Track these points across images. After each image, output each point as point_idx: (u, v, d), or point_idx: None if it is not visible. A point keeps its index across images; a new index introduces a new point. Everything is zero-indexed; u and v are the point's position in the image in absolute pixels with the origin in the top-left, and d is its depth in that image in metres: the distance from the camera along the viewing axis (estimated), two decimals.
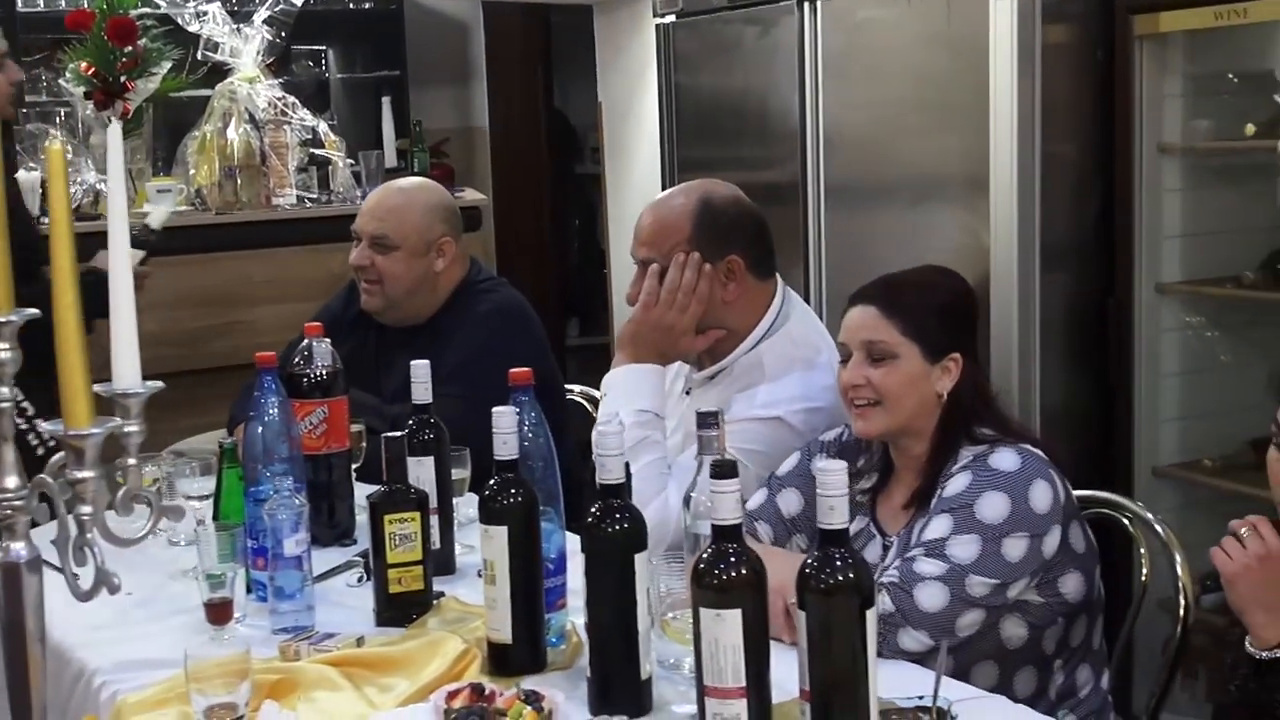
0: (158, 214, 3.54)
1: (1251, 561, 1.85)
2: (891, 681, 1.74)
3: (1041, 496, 2.04)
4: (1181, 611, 2.27)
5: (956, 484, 2.07)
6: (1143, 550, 2.37)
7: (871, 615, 1.55)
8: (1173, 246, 3.44)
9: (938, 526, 2.03)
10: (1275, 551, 1.84)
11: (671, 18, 4.30)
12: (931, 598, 1.98)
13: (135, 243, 3.22)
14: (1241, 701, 1.92)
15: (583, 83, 5.61)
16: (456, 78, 6.20)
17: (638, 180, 4.85)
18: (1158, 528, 2.35)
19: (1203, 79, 3.43)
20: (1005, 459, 2.07)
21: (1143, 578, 2.37)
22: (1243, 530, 1.88)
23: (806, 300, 2.94)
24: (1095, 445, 3.46)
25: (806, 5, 3.77)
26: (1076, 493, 2.47)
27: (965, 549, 2.00)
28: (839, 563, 1.54)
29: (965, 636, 2.02)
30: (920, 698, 1.68)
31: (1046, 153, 3.32)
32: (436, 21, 6.12)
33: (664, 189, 4.28)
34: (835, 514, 1.54)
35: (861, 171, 3.71)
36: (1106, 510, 2.44)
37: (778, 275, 2.65)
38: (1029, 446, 2.12)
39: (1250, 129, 3.30)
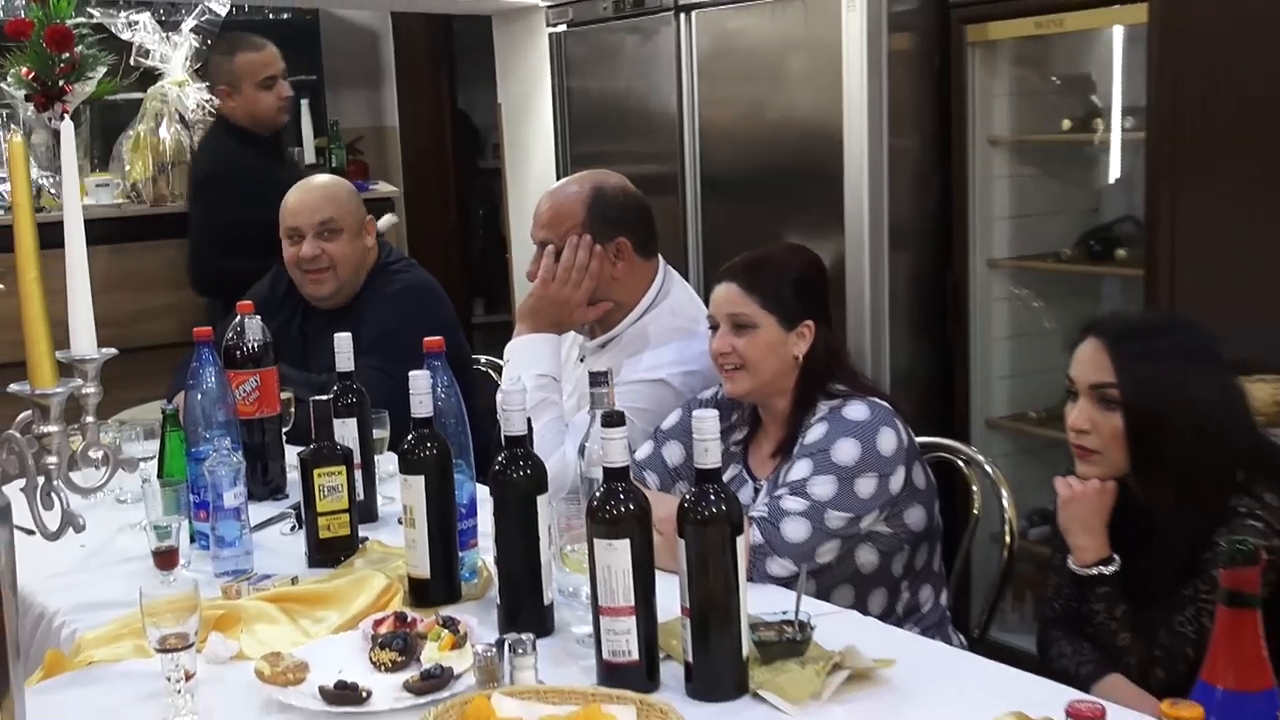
0: (385, 221, 3.58)
1: (1087, 490, 1.94)
2: (761, 602, 1.83)
3: (888, 441, 2.12)
4: (1007, 539, 2.38)
5: (815, 433, 2.14)
6: (975, 488, 2.47)
7: (741, 542, 1.62)
8: (1002, 227, 3.54)
9: (800, 469, 2.11)
10: (1107, 489, 1.93)
11: (563, 27, 4.33)
12: (795, 530, 2.05)
13: None
14: (1063, 615, 2.02)
15: (484, 86, 5.59)
16: (369, 81, 6.16)
17: (535, 173, 4.87)
18: (988, 469, 2.45)
19: (1027, 80, 3.52)
20: (856, 410, 2.15)
21: (975, 511, 2.47)
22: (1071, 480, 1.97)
23: (685, 277, 2.99)
24: (937, 400, 3.57)
25: (682, 15, 3.82)
26: (920, 439, 2.56)
27: (823, 488, 2.08)
28: (713, 497, 1.61)
29: (824, 563, 2.09)
30: (784, 613, 1.76)
31: (893, 146, 3.41)
32: (349, 30, 6.08)
33: (558, 180, 4.33)
34: (709, 455, 1.62)
35: (732, 163, 3.77)
36: (945, 454, 2.53)
37: (659, 255, 2.70)
38: (877, 399, 2.19)
39: (1066, 124, 3.42)
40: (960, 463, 2.52)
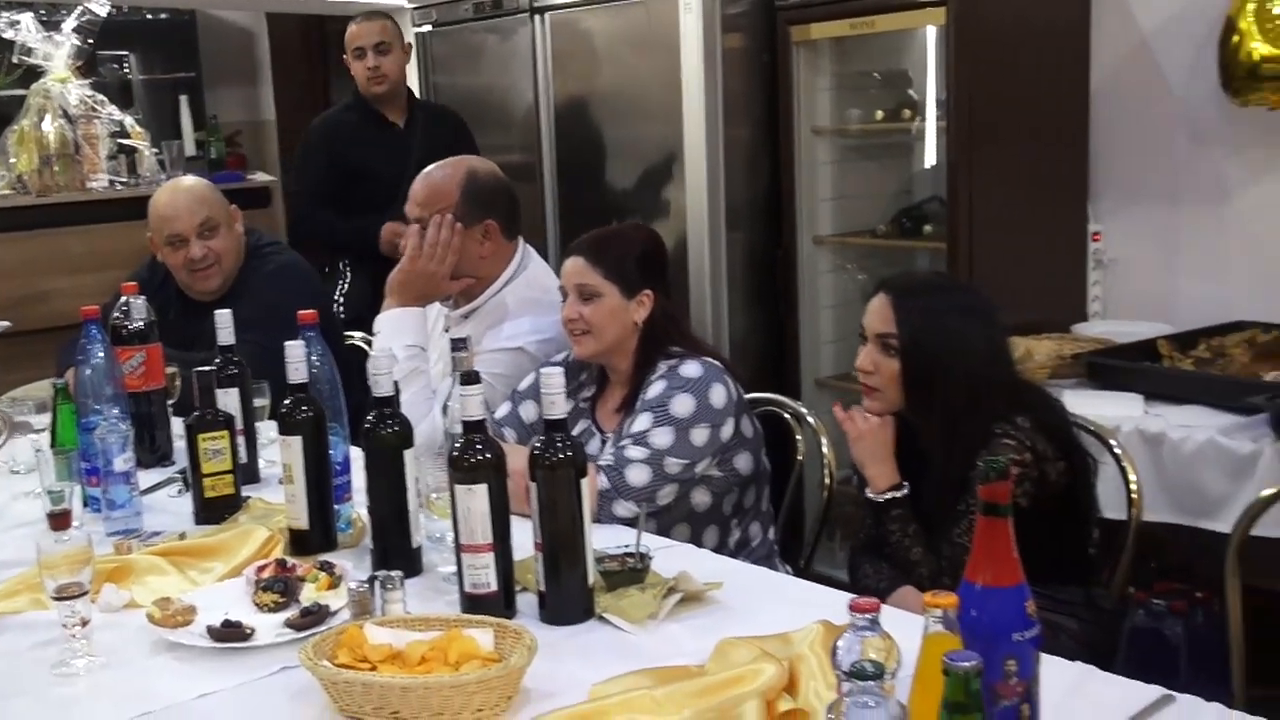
0: None
1: (871, 426, 2.08)
2: (608, 538, 1.91)
3: (719, 396, 2.21)
4: (826, 481, 2.51)
5: (654, 389, 2.22)
6: (799, 438, 2.59)
7: (585, 484, 1.70)
8: (826, 208, 3.68)
9: (641, 422, 2.19)
10: (886, 424, 2.08)
11: (428, 27, 4.35)
12: (638, 476, 2.14)
13: None
14: (867, 542, 2.16)
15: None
16: (246, 78, 6.08)
17: None
18: (810, 420, 2.58)
19: (846, 76, 3.66)
20: (691, 369, 2.23)
21: (799, 457, 2.59)
22: (854, 409, 2.11)
23: (544, 254, 3.06)
24: (772, 362, 3.71)
25: (537, 17, 3.88)
26: (752, 395, 2.68)
27: (662, 437, 2.16)
28: (560, 444, 1.69)
29: (664, 504, 2.18)
30: (627, 547, 1.85)
31: (728, 135, 3.52)
32: (226, 29, 5.99)
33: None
34: (555, 407, 1.69)
35: (585, 151, 3.85)
36: (774, 408, 2.65)
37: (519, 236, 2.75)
38: (710, 359, 2.27)
39: (880, 114, 3.57)
40: (787, 415, 2.64)
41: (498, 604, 1.71)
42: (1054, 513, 2.05)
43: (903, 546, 2.05)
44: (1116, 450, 2.29)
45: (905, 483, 2.07)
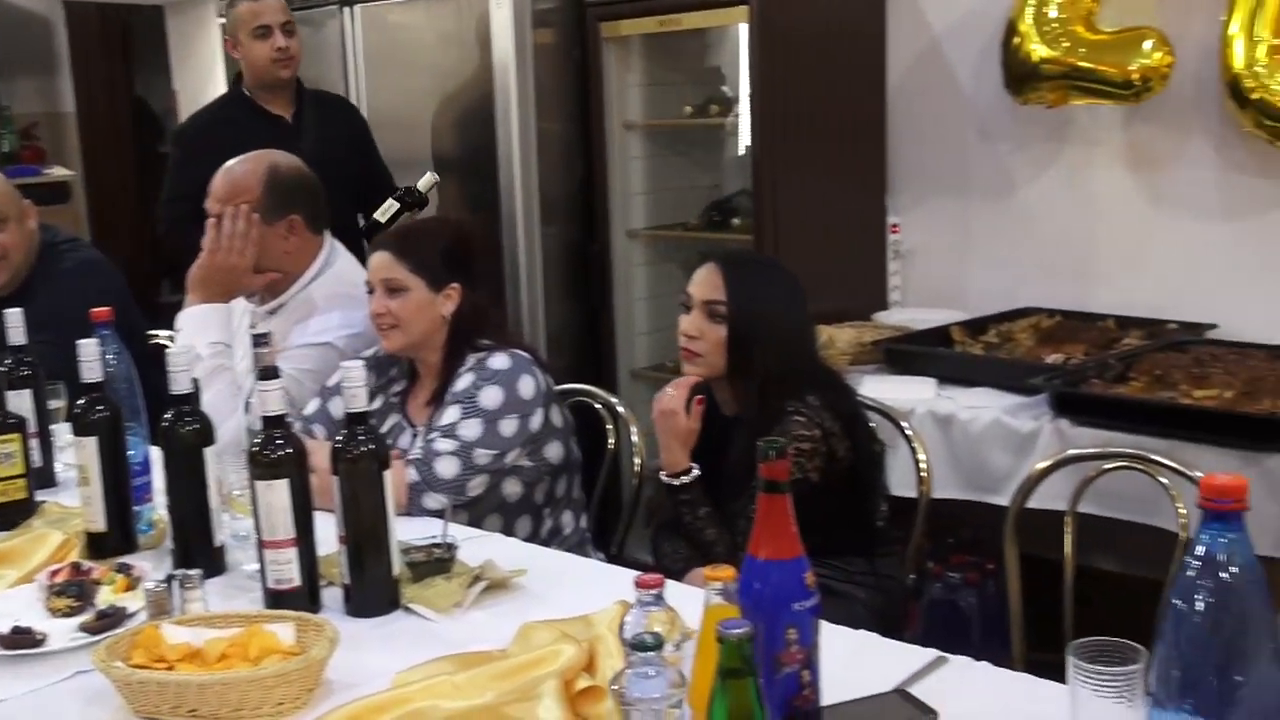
0: (424, 180, 3.35)
1: (672, 407, 2.14)
2: (416, 530, 1.93)
3: (527, 387, 2.24)
4: (637, 468, 2.57)
5: (463, 382, 2.24)
6: (609, 427, 2.65)
7: (388, 476, 1.71)
8: (638, 201, 3.75)
9: (450, 414, 2.21)
10: (680, 413, 2.15)
11: None
12: (447, 468, 2.15)
13: (411, 202, 3.30)
14: (665, 522, 2.23)
15: (161, 73, 5.40)
16: (42, 68, 5.82)
17: None
18: (620, 410, 2.63)
19: (656, 72, 3.72)
20: (499, 361, 2.25)
21: (610, 446, 2.65)
22: (669, 389, 2.17)
23: (360, 249, 3.03)
24: (588, 354, 3.75)
25: (346, 10, 3.84)
26: (565, 386, 2.73)
27: (471, 429, 2.18)
28: (362, 437, 1.69)
29: (475, 495, 2.20)
30: (434, 537, 1.87)
31: (540, 130, 3.55)
32: (20, 17, 5.73)
33: None
34: (357, 400, 1.70)
35: (398, 145, 3.80)
36: (586, 398, 2.70)
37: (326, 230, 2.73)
38: (518, 351, 2.30)
39: (688, 110, 3.65)
40: (598, 406, 2.69)
41: (302, 599, 1.70)
42: (843, 488, 2.15)
43: (695, 528, 2.13)
44: (907, 431, 2.42)
45: (694, 466, 2.14)
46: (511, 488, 2.28)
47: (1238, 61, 2.82)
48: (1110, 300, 3.26)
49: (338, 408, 2.40)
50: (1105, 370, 2.75)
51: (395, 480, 2.06)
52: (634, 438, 2.58)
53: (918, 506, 2.39)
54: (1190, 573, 0.93)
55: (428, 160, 3.73)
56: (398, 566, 1.74)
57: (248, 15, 3.47)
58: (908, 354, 3.09)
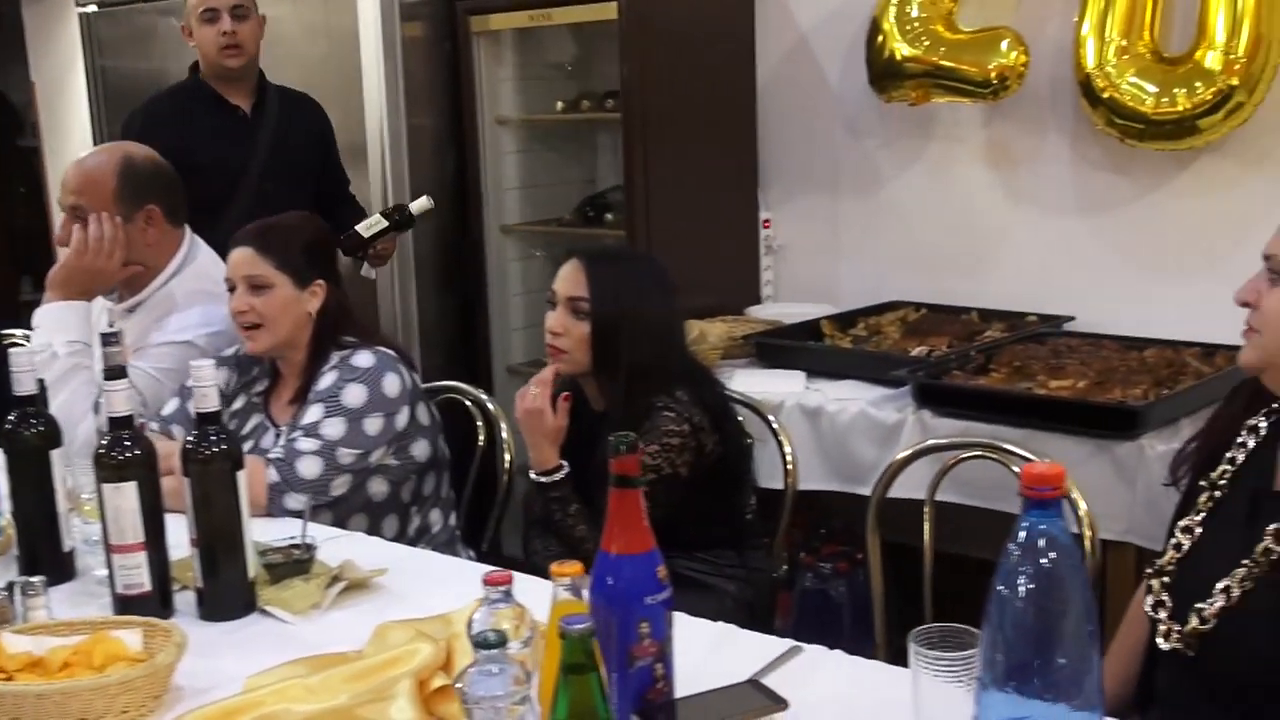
0: (419, 204, 3.17)
1: (537, 406, 2.14)
2: (278, 531, 1.90)
3: (392, 385, 2.22)
4: (507, 465, 2.56)
5: (326, 380, 2.21)
6: (479, 424, 2.63)
7: (241, 476, 1.69)
8: (512, 196, 3.73)
9: (312, 413, 2.18)
10: (546, 411, 2.14)
11: (93, 8, 4.12)
12: (309, 468, 2.12)
13: (400, 223, 3.14)
14: (535, 519, 2.23)
15: (19, 64, 5.21)
16: None
17: (74, 151, 4.52)
18: (490, 406, 2.62)
19: (528, 66, 3.71)
20: (363, 359, 2.23)
21: (480, 443, 2.64)
22: (532, 386, 2.17)
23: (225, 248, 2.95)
24: (464, 350, 3.73)
25: None
26: (435, 384, 2.71)
27: (334, 428, 2.15)
28: (214, 438, 1.66)
29: (339, 495, 2.17)
30: (293, 538, 1.84)
31: (410, 124, 3.52)
32: None
33: None
34: (208, 400, 1.67)
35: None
36: (456, 395, 2.69)
37: (186, 225, 2.66)
38: (383, 349, 2.28)
39: (560, 105, 3.65)
40: (468, 403, 2.67)
41: (152, 604, 1.67)
42: (711, 482, 2.18)
43: (565, 525, 2.13)
44: (774, 425, 2.45)
45: (564, 464, 2.14)
46: (377, 487, 2.25)
47: (1089, 61, 2.91)
48: (974, 294, 3.34)
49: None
50: (966, 362, 2.82)
51: (254, 480, 2.04)
52: (504, 435, 2.57)
53: (784, 498, 2.42)
54: (1012, 559, 0.96)
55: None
56: (253, 569, 1.72)
57: (195, 0, 3.23)
58: (777, 348, 3.13)
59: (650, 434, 2.10)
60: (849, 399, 2.84)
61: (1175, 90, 2.81)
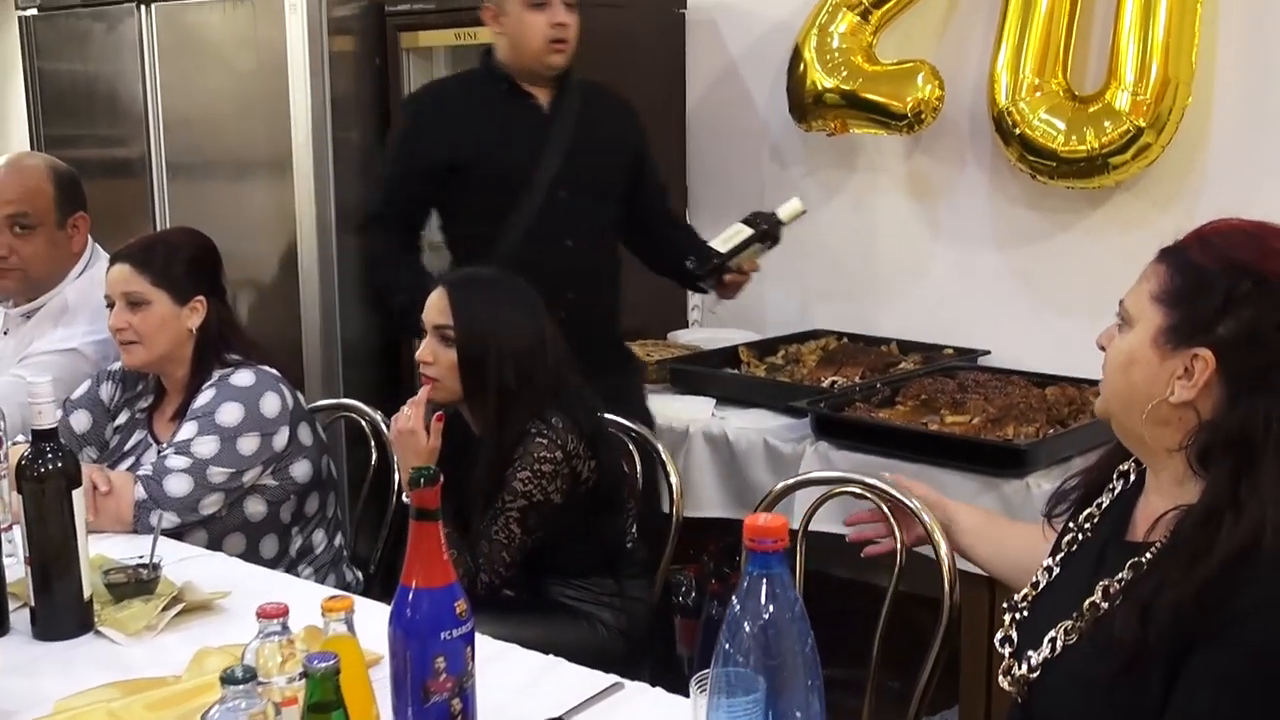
0: (789, 208, 2.67)
1: (408, 428, 2.14)
2: (128, 549, 1.90)
3: (271, 405, 2.21)
4: (395, 487, 2.55)
5: (203, 398, 2.20)
6: (372, 443, 2.63)
7: (78, 495, 1.68)
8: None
9: (186, 430, 2.17)
10: (436, 430, 2.14)
11: (33, 11, 4.10)
12: (177, 485, 2.12)
13: (767, 232, 2.64)
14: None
15: None
16: None
17: (13, 149, 4.60)
18: (382, 425, 2.60)
19: None
20: (243, 377, 2.23)
21: (374, 461, 2.63)
22: (406, 408, 2.16)
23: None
24: (385, 364, 3.71)
25: (143, 7, 3.74)
26: (329, 402, 2.71)
27: (206, 446, 2.15)
28: (49, 455, 1.66)
29: (210, 514, 2.16)
30: (141, 557, 1.84)
31: (337, 138, 3.49)
32: None
33: None
34: (44, 417, 1.66)
35: (194, 148, 3.72)
36: (350, 414, 2.68)
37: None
38: (265, 368, 2.27)
39: None
40: (364, 422, 2.66)
41: None
42: (587, 508, 2.17)
43: None
44: (660, 451, 2.44)
45: None
46: (254, 506, 2.25)
47: (1002, 98, 2.93)
48: (894, 324, 3.35)
49: (80, 422, 2.36)
50: (871, 394, 2.83)
51: (121, 497, 2.05)
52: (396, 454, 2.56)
53: (670, 525, 2.42)
54: (736, 610, 0.96)
55: (225, 162, 3.66)
56: (89, 588, 1.71)
57: None
58: (689, 373, 3.14)
59: (522, 460, 2.10)
60: (752, 428, 2.84)
61: (1085, 129, 2.83)
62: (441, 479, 1.32)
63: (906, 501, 1.90)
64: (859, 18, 3.13)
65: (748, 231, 2.61)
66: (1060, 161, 2.87)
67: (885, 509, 1.89)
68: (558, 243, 2.65)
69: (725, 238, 2.63)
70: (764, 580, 0.94)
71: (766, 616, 0.94)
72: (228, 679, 1.06)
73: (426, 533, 1.32)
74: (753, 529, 0.94)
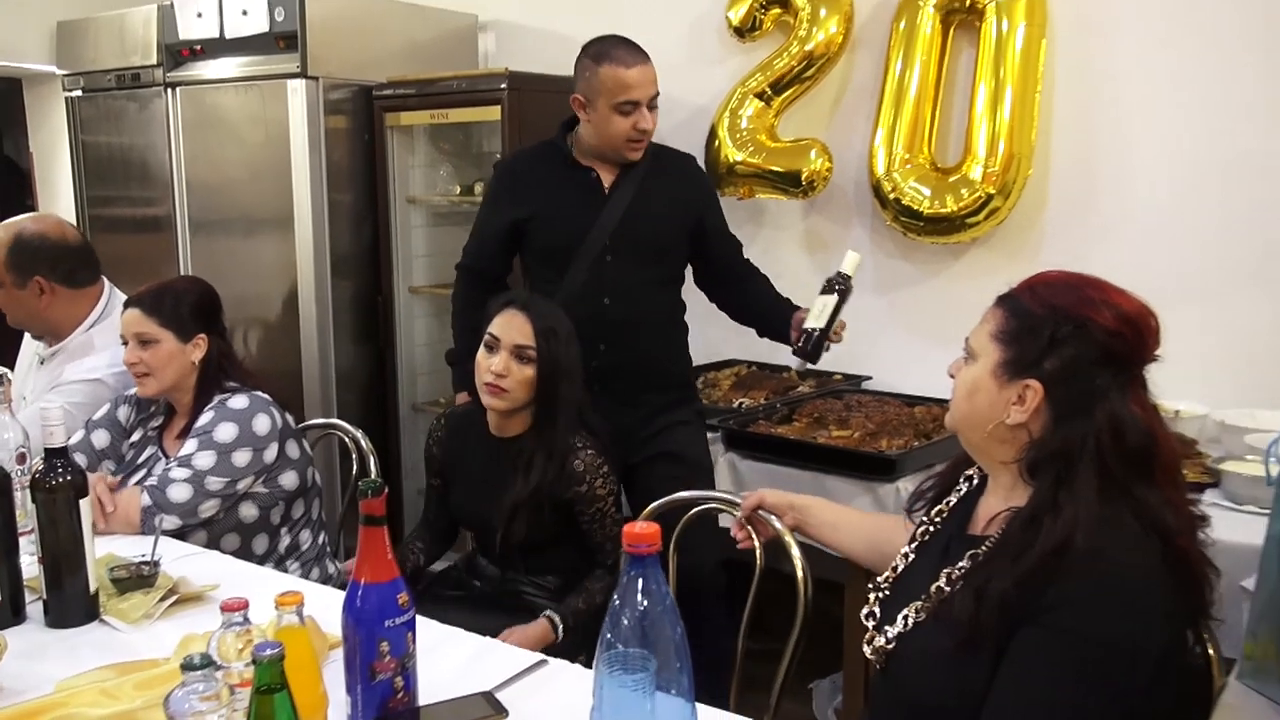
0: (850, 261, 2.42)
1: None
2: (135, 548, 1.84)
3: (262, 424, 2.16)
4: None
5: (204, 419, 2.15)
6: (355, 456, 2.57)
7: (85, 503, 1.63)
8: (420, 263, 3.69)
9: (188, 446, 2.11)
10: None
11: (78, 92, 4.05)
12: (179, 493, 2.06)
13: (846, 290, 2.40)
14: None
15: (24, 135, 5.10)
16: None
17: (62, 208, 4.52)
18: (362, 441, 2.56)
19: (434, 155, 3.68)
20: (238, 401, 2.17)
21: (354, 473, 2.57)
22: None
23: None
24: (377, 392, 3.67)
25: (169, 90, 3.70)
26: (319, 421, 2.65)
27: (205, 460, 2.09)
28: (59, 469, 1.60)
29: (209, 517, 2.11)
30: (143, 555, 1.78)
31: (333, 200, 3.47)
32: None
33: (78, 218, 4.06)
34: (54, 437, 1.61)
35: (212, 207, 3.69)
36: (336, 432, 2.63)
37: (104, 279, 2.59)
38: (258, 393, 2.21)
39: (457, 188, 3.62)
40: (346, 439, 2.61)
41: (4, 614, 1.60)
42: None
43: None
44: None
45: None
46: (247, 510, 2.19)
47: (879, 169, 2.94)
48: (793, 356, 3.33)
49: (99, 439, 2.29)
50: (773, 413, 2.82)
51: (129, 505, 1.99)
52: (371, 468, 2.51)
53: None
54: (617, 603, 0.94)
55: (238, 221, 3.61)
56: (95, 583, 1.65)
57: (614, 85, 2.38)
58: None
59: (587, 469, 2.10)
60: None
61: (946, 195, 2.84)
62: (386, 490, 1.28)
63: (762, 513, 1.87)
64: (763, 104, 3.14)
65: (833, 299, 2.40)
66: (926, 221, 2.88)
67: (743, 518, 1.86)
68: (597, 301, 2.47)
69: (817, 313, 2.40)
70: (640, 579, 0.92)
71: (642, 609, 0.92)
72: (186, 665, 1.02)
73: (374, 536, 1.29)
74: (630, 535, 0.92)
